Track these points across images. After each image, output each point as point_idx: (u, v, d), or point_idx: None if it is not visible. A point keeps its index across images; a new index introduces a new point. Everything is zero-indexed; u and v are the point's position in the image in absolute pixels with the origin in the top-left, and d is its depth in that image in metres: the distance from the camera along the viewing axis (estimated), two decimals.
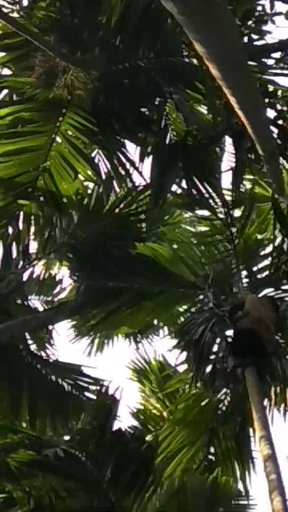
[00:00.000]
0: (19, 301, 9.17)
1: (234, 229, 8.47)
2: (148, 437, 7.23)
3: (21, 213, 8.00)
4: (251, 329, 7.10)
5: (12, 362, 8.51)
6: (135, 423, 8.38)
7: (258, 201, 8.98)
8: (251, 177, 9.02)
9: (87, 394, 8.12)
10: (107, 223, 8.71)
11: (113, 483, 6.37)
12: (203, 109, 8.50)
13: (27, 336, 9.00)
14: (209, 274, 8.15)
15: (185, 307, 8.44)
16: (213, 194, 8.54)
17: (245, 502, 7.78)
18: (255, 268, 8.40)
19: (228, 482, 7.40)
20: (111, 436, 6.50)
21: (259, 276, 8.36)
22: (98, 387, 7.86)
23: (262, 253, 8.54)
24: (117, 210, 8.87)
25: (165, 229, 9.52)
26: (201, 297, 8.07)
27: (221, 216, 8.54)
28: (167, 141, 8.46)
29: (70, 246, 8.72)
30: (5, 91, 8.58)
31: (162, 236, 9.43)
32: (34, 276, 9.47)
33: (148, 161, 8.31)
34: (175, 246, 8.91)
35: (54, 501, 6.33)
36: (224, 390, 7.41)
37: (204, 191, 8.49)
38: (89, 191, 8.75)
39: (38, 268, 9.57)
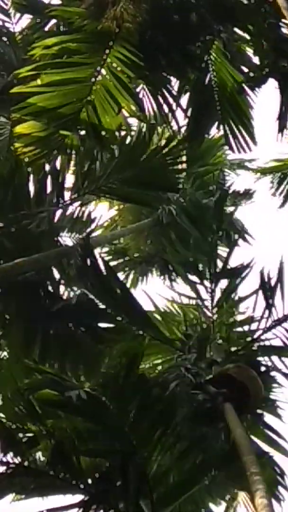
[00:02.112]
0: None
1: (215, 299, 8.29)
2: (173, 384, 7.27)
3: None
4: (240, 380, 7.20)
5: (30, 301, 8.47)
6: None
7: None
8: None
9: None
10: (146, 169, 8.62)
11: (135, 427, 6.42)
12: (250, 52, 8.42)
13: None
14: (190, 335, 8.02)
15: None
16: (249, 140, 8.50)
17: None
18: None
19: None
20: (135, 381, 6.54)
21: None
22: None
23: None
24: (158, 156, 8.76)
25: None
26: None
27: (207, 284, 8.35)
28: (207, 81, 8.40)
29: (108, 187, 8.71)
30: (53, 21, 8.62)
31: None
32: (68, 213, 9.24)
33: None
34: None
35: (76, 443, 6.43)
36: None
37: (240, 136, 8.47)
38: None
39: (73, 206, 9.36)
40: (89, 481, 6.41)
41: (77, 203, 9.10)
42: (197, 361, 7.45)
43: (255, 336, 7.87)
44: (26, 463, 6.36)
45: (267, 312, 7.82)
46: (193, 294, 8.42)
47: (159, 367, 8.01)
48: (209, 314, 8.11)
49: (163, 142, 8.95)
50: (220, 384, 7.16)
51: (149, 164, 8.50)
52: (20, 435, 6.59)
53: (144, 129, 8.62)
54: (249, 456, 6.04)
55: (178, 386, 7.03)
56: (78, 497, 6.42)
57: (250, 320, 8.03)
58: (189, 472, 6.77)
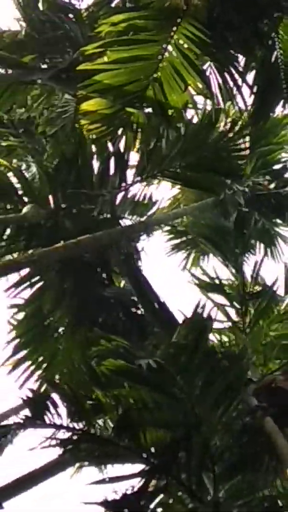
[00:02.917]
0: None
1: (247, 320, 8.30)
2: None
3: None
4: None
5: (85, 282, 8.52)
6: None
7: None
8: None
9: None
10: (210, 154, 8.56)
11: (201, 399, 6.42)
12: None
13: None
14: None
15: None
16: None
17: None
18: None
19: None
20: (203, 354, 6.53)
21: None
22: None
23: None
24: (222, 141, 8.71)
25: None
26: None
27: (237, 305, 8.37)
28: (273, 59, 8.29)
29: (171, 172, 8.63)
30: None
31: None
32: (129, 195, 9.22)
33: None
34: None
35: (141, 413, 6.45)
36: None
37: None
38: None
39: (135, 188, 9.31)
40: (153, 451, 6.46)
41: (139, 185, 9.12)
42: None
43: None
44: (91, 430, 6.43)
45: None
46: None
47: None
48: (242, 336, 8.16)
49: (228, 122, 8.87)
50: (264, 396, 7.18)
51: (213, 149, 8.46)
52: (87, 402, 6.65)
53: (209, 111, 8.53)
54: None
55: None
56: (141, 467, 6.51)
57: None
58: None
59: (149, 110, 7.78)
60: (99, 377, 6.59)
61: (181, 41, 7.59)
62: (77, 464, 7.83)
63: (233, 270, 8.68)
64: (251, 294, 8.47)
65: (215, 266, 9.04)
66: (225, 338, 8.42)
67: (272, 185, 10.48)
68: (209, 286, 8.71)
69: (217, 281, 8.72)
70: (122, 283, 8.85)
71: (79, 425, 6.39)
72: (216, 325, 8.33)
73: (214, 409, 6.49)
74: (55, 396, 6.56)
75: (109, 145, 8.60)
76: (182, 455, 6.41)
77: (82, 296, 8.40)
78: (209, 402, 6.46)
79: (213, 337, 8.29)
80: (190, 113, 8.81)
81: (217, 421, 6.50)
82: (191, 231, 10.18)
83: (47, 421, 6.38)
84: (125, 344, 6.84)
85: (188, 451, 6.37)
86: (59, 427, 6.37)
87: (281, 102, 8.45)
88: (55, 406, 6.42)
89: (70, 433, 6.40)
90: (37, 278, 8.37)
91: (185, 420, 6.45)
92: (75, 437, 6.39)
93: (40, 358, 8.30)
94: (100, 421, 6.83)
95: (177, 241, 10.77)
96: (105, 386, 6.56)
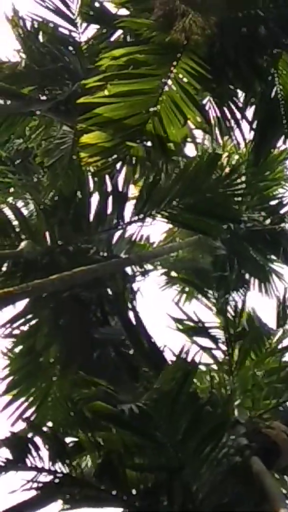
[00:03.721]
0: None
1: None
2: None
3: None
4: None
5: (78, 318, 8.46)
6: None
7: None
8: None
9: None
10: (208, 197, 8.49)
11: (183, 444, 6.37)
12: None
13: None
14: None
15: None
16: None
17: None
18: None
19: None
20: (186, 398, 6.49)
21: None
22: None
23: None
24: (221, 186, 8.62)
25: None
26: None
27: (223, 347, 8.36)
28: (273, 95, 8.34)
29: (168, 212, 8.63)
30: (119, 32, 8.63)
31: None
32: (127, 235, 9.22)
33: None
34: None
35: (123, 456, 6.40)
36: None
37: None
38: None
39: (132, 227, 9.25)
40: (135, 495, 6.37)
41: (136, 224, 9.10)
42: None
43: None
44: (73, 473, 6.37)
45: None
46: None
47: None
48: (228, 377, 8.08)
49: (227, 163, 8.89)
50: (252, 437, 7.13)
51: (212, 192, 8.40)
52: (68, 441, 6.64)
53: (208, 154, 8.55)
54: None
55: None
56: (123, 511, 6.44)
57: None
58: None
59: (149, 144, 7.77)
60: (84, 419, 6.54)
61: (181, 76, 7.63)
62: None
63: (215, 311, 8.65)
64: (235, 334, 8.40)
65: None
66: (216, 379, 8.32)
67: (267, 221, 10.50)
68: (192, 329, 8.62)
69: (200, 324, 8.62)
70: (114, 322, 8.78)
71: (60, 468, 6.33)
72: (204, 366, 8.36)
73: (197, 454, 6.43)
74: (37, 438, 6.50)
75: (108, 181, 8.59)
76: (164, 499, 6.34)
77: (75, 334, 8.35)
78: (192, 447, 6.40)
79: (203, 378, 8.28)
80: (189, 149, 8.87)
81: (200, 465, 6.42)
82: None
83: (29, 464, 6.31)
84: (108, 388, 6.78)
85: (170, 495, 6.31)
86: (40, 470, 6.30)
87: (282, 138, 8.47)
88: (37, 448, 6.35)
89: (51, 476, 6.33)
90: (31, 315, 8.32)
91: (167, 464, 6.39)
92: (56, 480, 6.32)
93: (32, 398, 8.21)
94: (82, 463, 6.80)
95: (173, 274, 10.73)
96: (90, 428, 6.52)
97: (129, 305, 8.53)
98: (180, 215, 8.59)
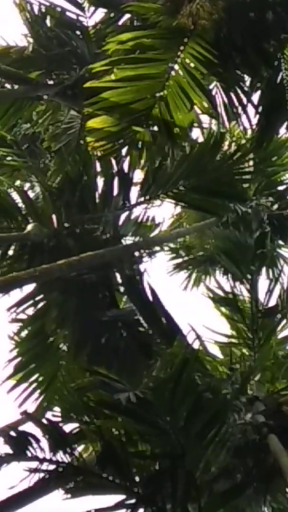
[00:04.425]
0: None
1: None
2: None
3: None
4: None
5: (87, 302, 8.47)
6: None
7: None
8: None
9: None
10: (214, 177, 8.50)
11: (185, 430, 6.36)
12: None
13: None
14: (233, 370, 7.91)
15: None
16: None
17: None
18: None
19: None
20: (186, 385, 6.51)
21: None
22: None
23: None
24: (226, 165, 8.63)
25: None
26: None
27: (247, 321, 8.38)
28: (278, 80, 8.33)
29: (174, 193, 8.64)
30: (127, 16, 8.63)
31: None
32: (132, 217, 9.23)
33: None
34: None
35: (125, 444, 6.43)
36: None
37: None
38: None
39: (138, 209, 9.28)
40: (137, 482, 6.39)
41: (142, 206, 9.12)
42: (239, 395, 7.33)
43: None
44: (75, 463, 6.37)
45: None
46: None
47: None
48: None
49: (232, 142, 8.89)
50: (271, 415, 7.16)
51: (217, 172, 8.41)
52: (70, 428, 6.62)
53: (214, 133, 8.53)
54: None
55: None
56: (126, 498, 6.41)
57: None
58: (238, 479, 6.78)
59: (155, 128, 7.77)
60: (87, 407, 6.56)
61: (187, 61, 7.62)
62: None
63: (248, 286, 8.62)
64: (263, 311, 8.41)
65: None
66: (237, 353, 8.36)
67: (275, 207, 10.50)
68: (222, 300, 8.70)
69: (231, 296, 8.68)
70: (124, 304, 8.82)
71: (62, 458, 6.33)
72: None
73: (200, 439, 6.43)
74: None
75: (114, 164, 8.60)
76: (167, 485, 6.33)
77: (85, 317, 8.37)
78: (194, 433, 6.40)
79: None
80: (195, 133, 8.85)
81: (203, 451, 6.43)
82: (212, 245, 10.09)
83: (29, 455, 6.30)
84: (108, 376, 6.78)
85: (174, 482, 6.30)
86: (42, 460, 6.29)
87: (286, 123, 8.48)
88: (37, 440, 6.33)
89: (53, 466, 6.33)
90: (40, 296, 8.34)
91: (170, 450, 6.41)
92: (58, 470, 6.32)
93: (40, 378, 8.26)
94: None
95: (179, 260, 10.76)
96: (90, 417, 6.54)
97: (145, 283, 8.46)
98: (186, 196, 8.61)
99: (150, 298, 8.10)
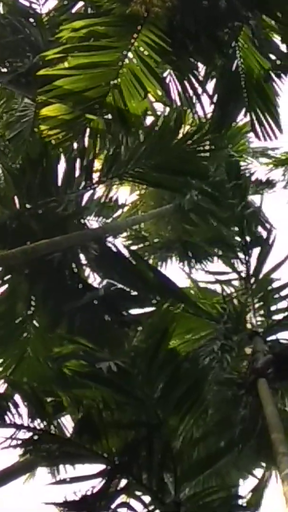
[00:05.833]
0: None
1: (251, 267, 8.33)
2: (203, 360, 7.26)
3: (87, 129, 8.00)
4: None
5: (56, 282, 8.56)
6: None
7: None
8: None
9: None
10: (176, 155, 8.55)
11: (162, 401, 6.45)
12: (277, 39, 8.37)
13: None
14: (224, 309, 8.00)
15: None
16: (274, 128, 8.46)
17: None
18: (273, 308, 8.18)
19: None
20: (164, 356, 6.56)
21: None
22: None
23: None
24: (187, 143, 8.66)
25: None
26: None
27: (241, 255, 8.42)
28: (233, 68, 8.36)
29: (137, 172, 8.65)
30: (81, 4, 8.58)
31: None
32: (95, 197, 9.32)
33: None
34: None
35: (103, 413, 6.44)
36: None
37: (266, 124, 8.45)
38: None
39: (100, 190, 9.47)
40: (114, 451, 6.40)
41: (103, 188, 9.11)
42: (234, 333, 7.47)
43: None
44: (52, 431, 6.38)
45: None
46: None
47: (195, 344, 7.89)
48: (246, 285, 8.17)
49: (187, 128, 8.91)
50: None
51: (179, 150, 8.44)
52: (48, 400, 6.60)
53: (175, 113, 8.55)
54: (279, 435, 6.00)
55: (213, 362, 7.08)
56: (102, 467, 6.45)
57: None
58: (215, 447, 6.86)
59: (109, 116, 7.77)
60: (64, 377, 6.55)
61: (141, 48, 7.62)
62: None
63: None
64: (251, 241, 8.44)
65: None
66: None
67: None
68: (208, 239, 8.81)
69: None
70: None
71: (40, 425, 6.32)
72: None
73: (177, 409, 6.51)
74: (16, 396, 6.51)
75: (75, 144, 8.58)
76: (144, 455, 6.38)
77: (55, 296, 8.47)
78: (171, 404, 6.48)
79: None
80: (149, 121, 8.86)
81: (180, 421, 6.51)
82: None
83: (7, 421, 6.29)
84: (87, 345, 6.84)
85: (150, 452, 6.35)
86: (19, 426, 6.28)
87: (242, 111, 8.51)
88: (16, 406, 6.33)
89: (31, 433, 6.33)
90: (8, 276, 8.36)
91: (147, 420, 6.46)
92: (35, 437, 6.32)
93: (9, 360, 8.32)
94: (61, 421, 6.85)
95: (135, 247, 10.78)
96: (69, 387, 6.53)
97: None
98: (148, 174, 8.62)
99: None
